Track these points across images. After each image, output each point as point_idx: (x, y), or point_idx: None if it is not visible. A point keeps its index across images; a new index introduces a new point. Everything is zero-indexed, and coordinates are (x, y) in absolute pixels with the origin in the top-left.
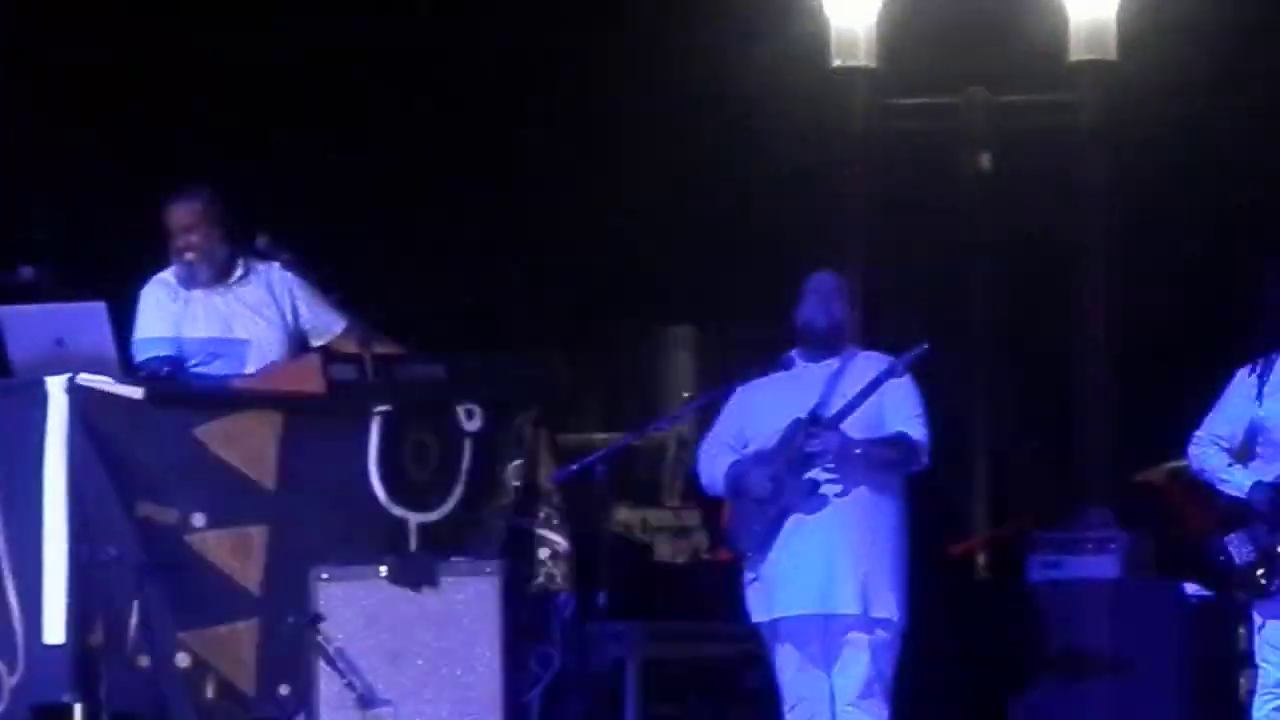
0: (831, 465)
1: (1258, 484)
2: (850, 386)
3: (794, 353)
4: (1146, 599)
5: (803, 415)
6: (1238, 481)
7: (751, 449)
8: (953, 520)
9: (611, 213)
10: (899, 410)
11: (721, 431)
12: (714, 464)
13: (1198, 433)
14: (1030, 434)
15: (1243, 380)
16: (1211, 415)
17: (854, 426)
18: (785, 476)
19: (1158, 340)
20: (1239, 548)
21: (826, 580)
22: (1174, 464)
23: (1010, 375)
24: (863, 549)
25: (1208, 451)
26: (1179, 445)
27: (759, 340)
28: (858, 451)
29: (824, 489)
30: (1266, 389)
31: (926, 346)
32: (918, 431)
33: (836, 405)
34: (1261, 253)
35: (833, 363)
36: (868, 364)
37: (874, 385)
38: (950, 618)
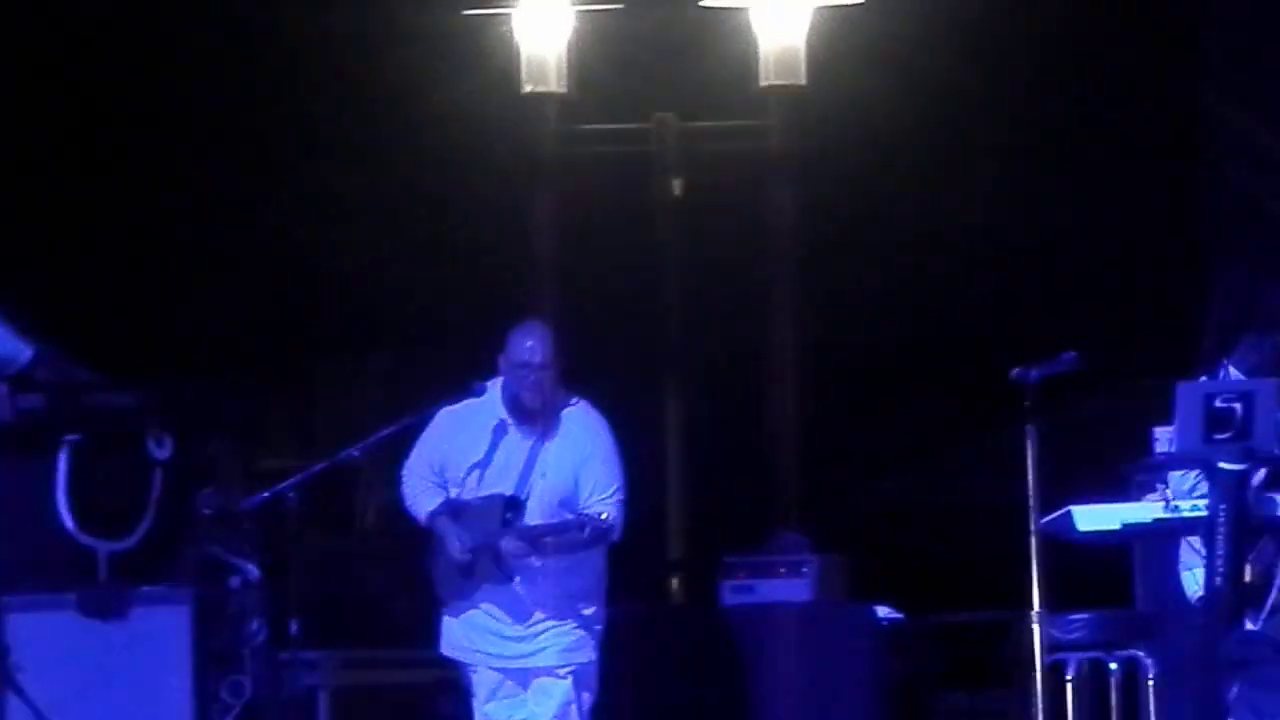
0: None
1: None
2: (553, 455)
3: (491, 393)
4: (838, 622)
5: (504, 492)
6: None
7: (453, 490)
8: (645, 548)
9: (306, 240)
10: (596, 489)
11: (419, 463)
12: (418, 499)
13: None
14: (722, 459)
15: None
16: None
17: (549, 501)
18: (482, 553)
19: (848, 366)
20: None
21: (526, 639)
22: (865, 487)
23: (702, 399)
24: (561, 606)
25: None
26: (870, 470)
27: (453, 366)
28: (545, 558)
29: (518, 580)
30: None
31: (608, 522)
32: (611, 512)
33: (536, 484)
34: (948, 278)
35: (538, 430)
36: (570, 433)
37: (562, 526)
38: (644, 643)
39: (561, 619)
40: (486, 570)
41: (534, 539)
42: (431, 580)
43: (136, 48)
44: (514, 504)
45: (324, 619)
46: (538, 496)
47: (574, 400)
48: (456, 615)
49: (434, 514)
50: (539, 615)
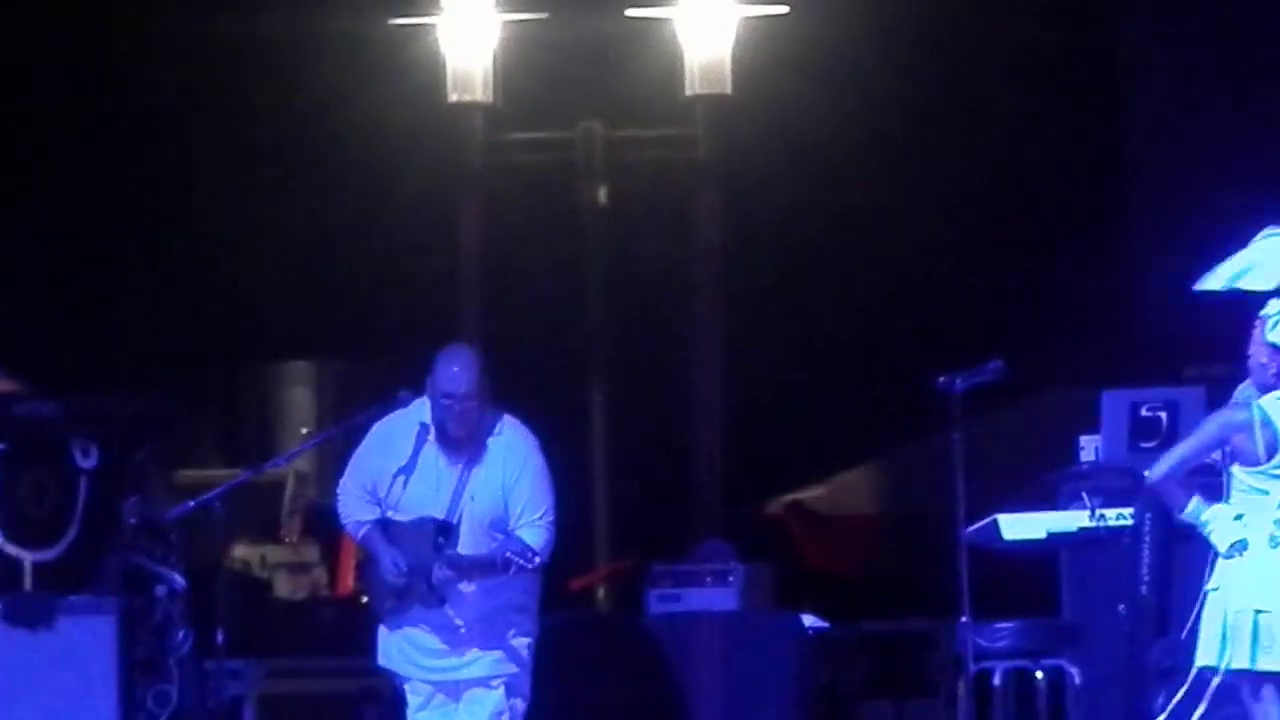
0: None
1: None
2: (482, 479)
3: (417, 411)
4: (764, 630)
5: (435, 515)
6: None
7: (383, 510)
8: (572, 555)
9: (231, 249)
10: (525, 511)
11: (352, 480)
12: (351, 515)
13: None
14: (648, 466)
15: None
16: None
17: (479, 524)
18: (415, 576)
19: (774, 374)
20: None
21: (457, 653)
22: (789, 497)
23: (626, 409)
24: (492, 622)
25: None
26: (791, 479)
27: (379, 375)
28: (473, 583)
29: (450, 604)
30: None
31: (535, 562)
32: (538, 539)
33: (465, 508)
34: (873, 285)
35: (465, 454)
36: (497, 455)
37: (489, 563)
38: (571, 651)
39: (493, 633)
40: (419, 593)
41: (463, 569)
42: (371, 601)
43: (55, 56)
44: (445, 528)
45: (249, 628)
46: (468, 519)
47: (502, 419)
48: (391, 629)
49: (368, 533)
50: (471, 635)
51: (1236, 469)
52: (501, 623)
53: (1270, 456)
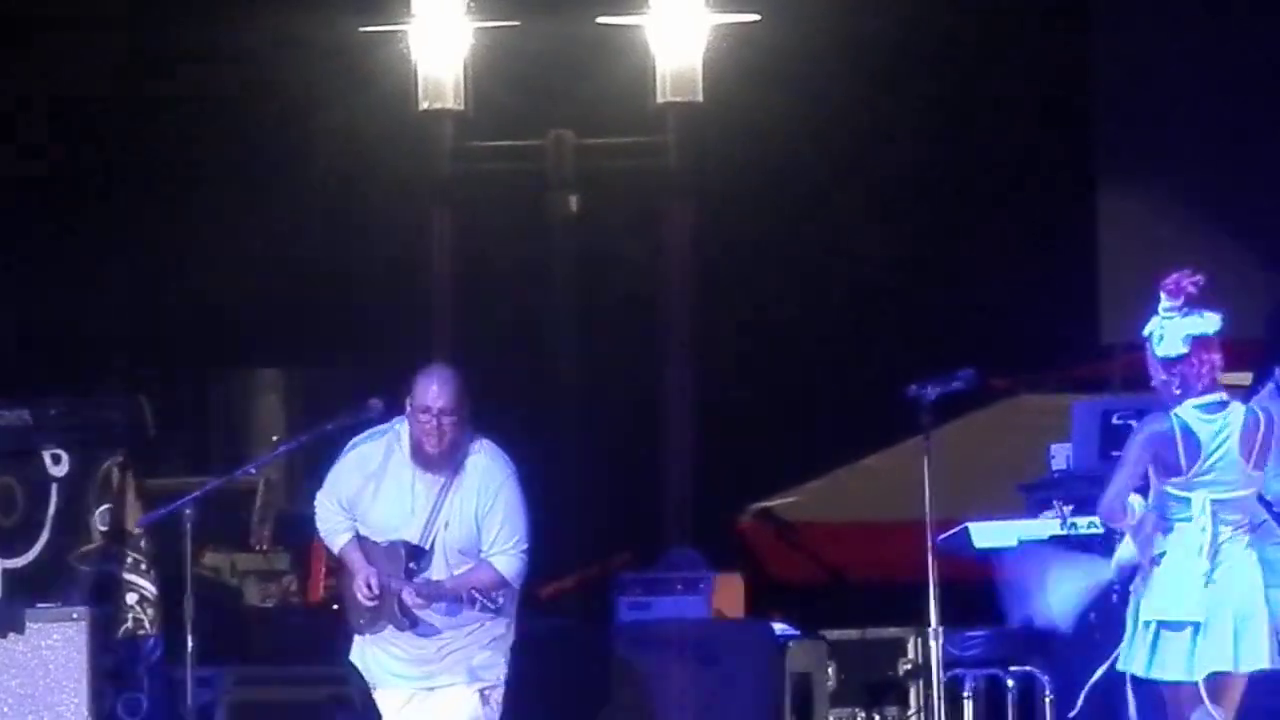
0: None
1: None
2: (457, 505)
3: (393, 434)
4: (735, 638)
5: (408, 538)
6: None
7: (360, 528)
8: (542, 563)
9: (200, 257)
10: (499, 540)
11: (329, 495)
12: (328, 529)
13: None
14: (618, 476)
15: None
16: None
17: (452, 549)
18: (387, 597)
19: (741, 383)
20: None
21: (433, 663)
22: (760, 505)
23: (597, 417)
24: (466, 643)
25: None
26: (762, 487)
27: (348, 383)
28: (444, 603)
29: (421, 628)
30: None
31: (496, 603)
32: (512, 566)
33: (439, 532)
34: (845, 293)
35: (440, 478)
36: (472, 479)
37: (456, 596)
38: (542, 660)
39: (469, 643)
40: (390, 613)
41: (433, 596)
42: (346, 613)
43: (29, 61)
44: (416, 553)
45: (220, 636)
46: (440, 546)
47: (478, 444)
48: (365, 642)
49: (345, 548)
50: (446, 641)
51: (1156, 481)
52: (477, 632)
53: (1190, 466)
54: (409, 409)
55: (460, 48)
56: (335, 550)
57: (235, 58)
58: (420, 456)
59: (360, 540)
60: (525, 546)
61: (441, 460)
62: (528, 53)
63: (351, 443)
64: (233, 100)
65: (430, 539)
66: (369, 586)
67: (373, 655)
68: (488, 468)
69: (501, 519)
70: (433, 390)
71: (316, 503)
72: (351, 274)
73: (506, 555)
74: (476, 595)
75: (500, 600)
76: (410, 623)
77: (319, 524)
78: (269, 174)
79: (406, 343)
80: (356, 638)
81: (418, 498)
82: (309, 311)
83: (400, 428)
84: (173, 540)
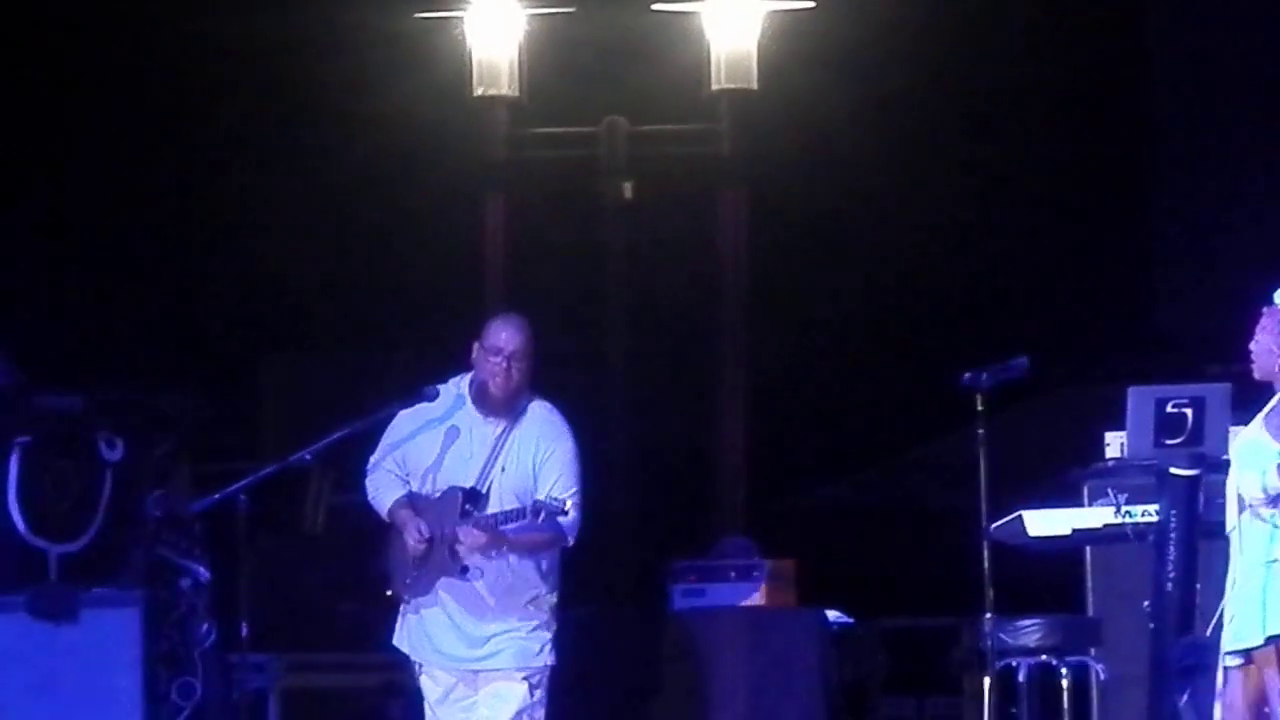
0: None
1: None
2: (515, 450)
3: (452, 391)
4: (787, 626)
5: (464, 485)
6: None
7: (414, 484)
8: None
9: (255, 242)
10: (555, 489)
11: (384, 456)
12: (380, 492)
13: None
14: (670, 462)
15: None
16: None
17: (508, 494)
18: (439, 544)
19: (797, 369)
20: None
21: (480, 641)
22: (813, 492)
23: (650, 404)
24: (514, 612)
25: None
26: (816, 475)
27: (403, 369)
28: (503, 548)
29: (471, 574)
30: None
31: (564, 507)
32: (567, 517)
33: (495, 478)
34: (898, 280)
35: (501, 423)
36: (532, 427)
37: (519, 513)
38: (594, 646)
39: (517, 620)
40: (441, 562)
41: (492, 527)
42: (388, 577)
43: (80, 52)
44: (473, 496)
45: (273, 622)
46: (496, 490)
47: (538, 400)
48: (413, 611)
49: (395, 507)
50: (495, 615)
51: None
52: (524, 609)
53: None
54: (477, 352)
55: (515, 34)
56: (385, 510)
57: (291, 44)
58: (483, 401)
59: (412, 498)
60: (579, 500)
61: (504, 404)
62: (582, 39)
63: (401, 412)
64: (288, 86)
65: (487, 483)
66: (419, 531)
67: (418, 632)
68: (547, 418)
69: (559, 469)
70: (505, 334)
71: (369, 467)
72: (405, 260)
73: (566, 503)
74: (542, 503)
75: (567, 508)
76: (461, 569)
77: (369, 486)
78: (324, 160)
79: (460, 328)
80: (401, 616)
81: (476, 442)
82: (363, 297)
83: (461, 380)
84: (226, 525)
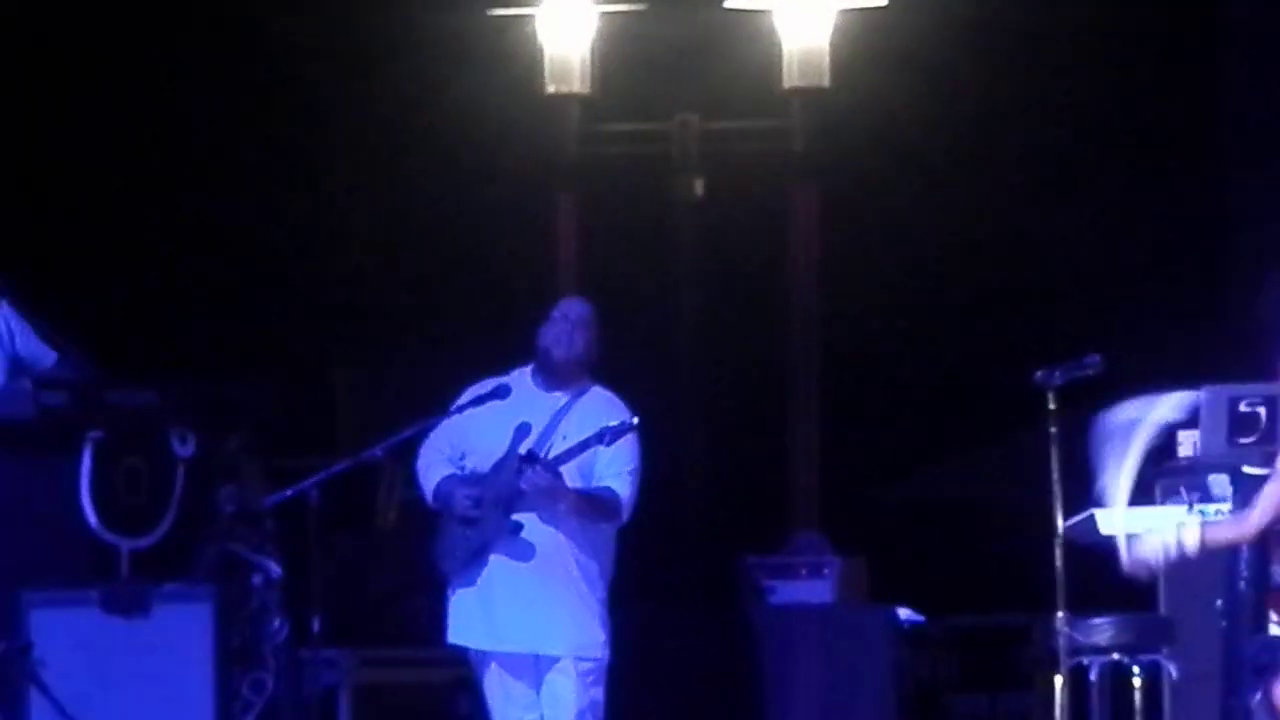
0: (534, 507)
1: None
2: (574, 424)
3: (514, 376)
4: (859, 623)
5: (521, 450)
6: None
7: (469, 464)
8: (664, 548)
9: (328, 240)
10: (611, 464)
11: (439, 441)
12: (428, 473)
13: None
14: (742, 460)
15: None
16: None
17: (567, 469)
18: (490, 507)
19: (869, 366)
20: None
21: (535, 624)
22: (885, 488)
23: (722, 400)
24: (568, 592)
25: None
26: (888, 471)
27: (474, 367)
28: (562, 505)
29: (526, 533)
30: None
31: (632, 421)
32: (624, 489)
33: (555, 445)
34: (970, 278)
35: (562, 396)
36: (594, 403)
37: (583, 446)
38: (664, 644)
39: (571, 600)
40: (493, 522)
41: (554, 470)
42: (437, 564)
43: (159, 54)
44: (531, 457)
45: (345, 617)
46: (554, 455)
47: (602, 387)
48: (466, 586)
49: (441, 483)
50: (547, 595)
51: None
52: (578, 590)
53: None
54: (543, 325)
55: (587, 31)
56: (432, 490)
57: (364, 42)
58: (545, 370)
59: (461, 477)
60: (636, 478)
61: (565, 372)
62: (654, 36)
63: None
64: (362, 86)
65: (546, 450)
66: (470, 498)
67: (472, 610)
68: (610, 399)
69: (618, 445)
70: (570, 301)
71: (421, 450)
72: (478, 257)
73: (619, 478)
74: (606, 429)
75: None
76: (515, 527)
77: (419, 469)
78: (396, 157)
79: (531, 326)
80: (454, 604)
81: (536, 411)
82: (436, 295)
83: (524, 369)
84: (298, 521)
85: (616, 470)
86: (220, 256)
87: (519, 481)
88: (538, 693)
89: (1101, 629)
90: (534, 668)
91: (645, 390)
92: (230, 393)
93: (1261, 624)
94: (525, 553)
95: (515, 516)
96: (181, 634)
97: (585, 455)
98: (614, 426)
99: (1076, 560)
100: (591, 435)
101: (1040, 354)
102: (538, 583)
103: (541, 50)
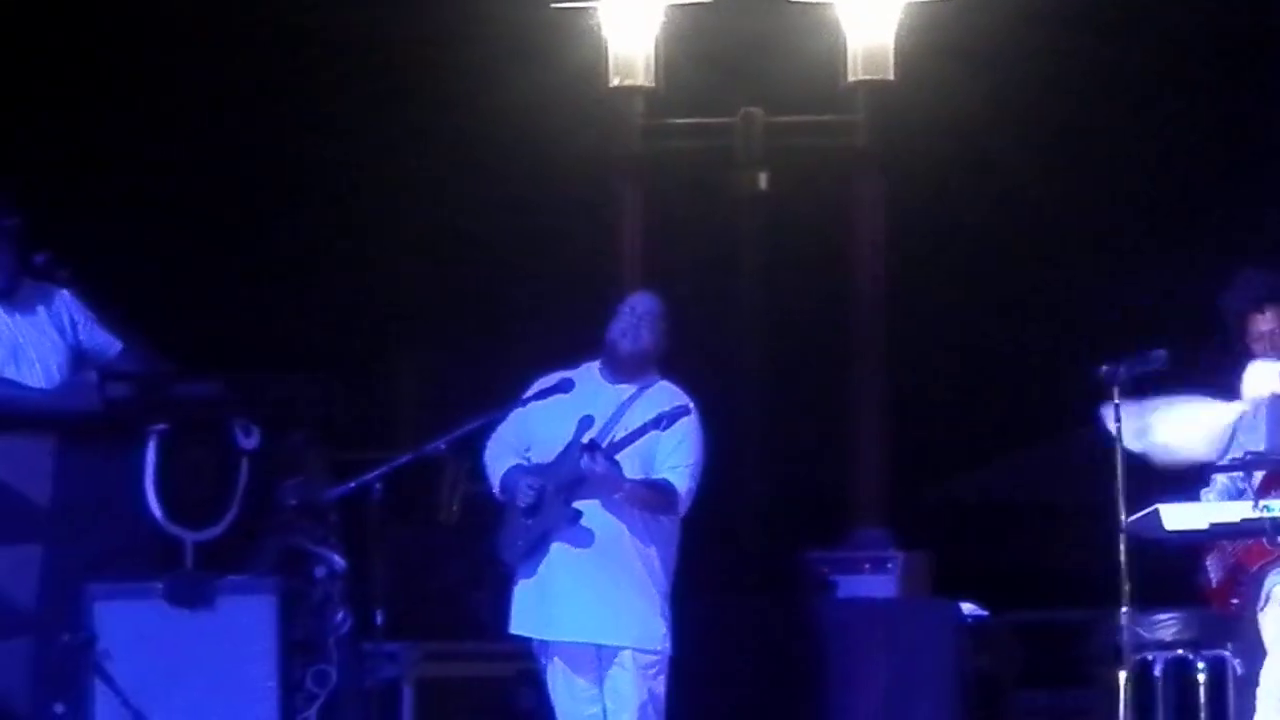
0: (595, 494)
1: None
2: (636, 416)
3: (581, 370)
4: (922, 618)
5: (584, 440)
6: None
7: (533, 457)
8: (727, 543)
9: (390, 232)
10: (670, 456)
11: (506, 434)
12: (495, 464)
13: None
14: (805, 454)
15: None
16: None
17: (626, 458)
18: (551, 495)
19: (933, 361)
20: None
21: (596, 612)
22: (949, 484)
23: (785, 395)
24: (628, 580)
25: None
26: (952, 466)
27: (538, 360)
28: (620, 492)
29: (586, 520)
30: None
31: (688, 405)
32: (682, 482)
33: (617, 435)
34: (1035, 273)
35: (628, 388)
36: (659, 396)
37: (642, 430)
38: (726, 638)
39: (632, 590)
40: (554, 510)
41: (612, 456)
42: (501, 551)
43: (224, 49)
44: (592, 445)
45: (407, 611)
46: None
47: (668, 382)
48: (527, 576)
49: (506, 474)
50: (607, 579)
51: None
52: (639, 580)
53: None
54: (611, 319)
55: (652, 24)
56: (498, 481)
57: (427, 35)
58: (612, 362)
59: (526, 468)
60: (697, 472)
61: (632, 365)
62: (719, 30)
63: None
64: (425, 78)
65: (608, 439)
66: (530, 487)
67: (535, 599)
68: (675, 393)
69: (680, 438)
70: (639, 295)
71: (489, 441)
72: (541, 250)
73: (678, 472)
74: (664, 413)
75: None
76: (575, 515)
77: (486, 460)
78: (460, 150)
79: (595, 319)
80: (516, 594)
81: (601, 403)
82: (500, 288)
83: (591, 363)
84: (361, 514)
85: (675, 463)
86: (287, 250)
87: (579, 468)
88: (600, 688)
89: (1165, 624)
90: (596, 661)
91: (709, 383)
92: (294, 386)
93: None
94: (585, 540)
95: (576, 504)
96: (245, 626)
97: (644, 443)
98: (669, 411)
99: (1141, 556)
100: (649, 420)
101: (1106, 347)
102: (597, 570)
103: (606, 44)
